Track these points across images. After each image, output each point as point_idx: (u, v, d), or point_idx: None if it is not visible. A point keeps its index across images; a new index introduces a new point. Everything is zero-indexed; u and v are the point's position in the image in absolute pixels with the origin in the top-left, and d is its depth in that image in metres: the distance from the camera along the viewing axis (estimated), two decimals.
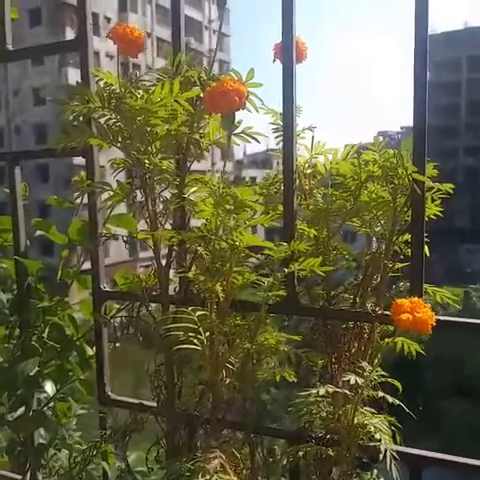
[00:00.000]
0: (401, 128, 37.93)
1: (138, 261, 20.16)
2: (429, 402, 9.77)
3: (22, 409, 1.22)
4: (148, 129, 0.83)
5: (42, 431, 1.26)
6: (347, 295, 1.03)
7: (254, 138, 0.88)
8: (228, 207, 0.73)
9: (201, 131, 0.92)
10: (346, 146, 1.01)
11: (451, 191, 0.94)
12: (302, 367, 1.01)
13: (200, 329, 0.76)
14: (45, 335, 1.23)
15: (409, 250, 0.94)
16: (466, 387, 11.48)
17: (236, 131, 0.86)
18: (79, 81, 1.05)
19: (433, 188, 0.94)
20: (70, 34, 21.58)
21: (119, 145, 0.85)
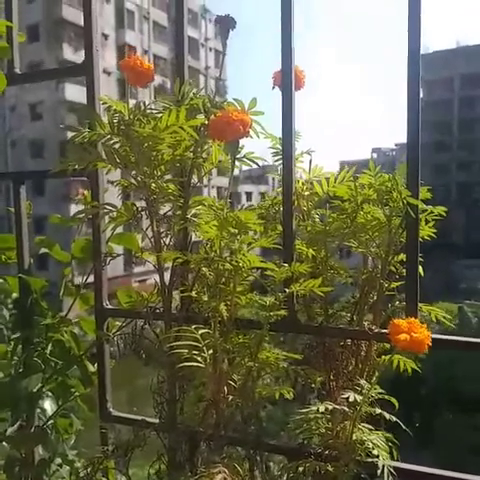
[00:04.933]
0: (396, 145, 38.38)
1: (132, 276, 20.13)
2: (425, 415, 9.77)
3: (23, 425, 1.24)
4: (154, 154, 0.87)
5: (43, 447, 1.28)
6: (344, 313, 1.06)
7: (256, 163, 0.92)
8: (232, 230, 0.77)
9: (204, 155, 0.96)
10: (342, 164, 1.05)
11: (444, 214, 0.97)
12: (299, 384, 1.03)
13: (203, 347, 0.78)
14: (47, 351, 1.25)
15: (404, 270, 0.97)
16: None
17: (238, 156, 0.89)
18: (77, 99, 1.08)
19: (427, 210, 0.98)
20: (67, 50, 21.76)
21: (126, 169, 0.89)
